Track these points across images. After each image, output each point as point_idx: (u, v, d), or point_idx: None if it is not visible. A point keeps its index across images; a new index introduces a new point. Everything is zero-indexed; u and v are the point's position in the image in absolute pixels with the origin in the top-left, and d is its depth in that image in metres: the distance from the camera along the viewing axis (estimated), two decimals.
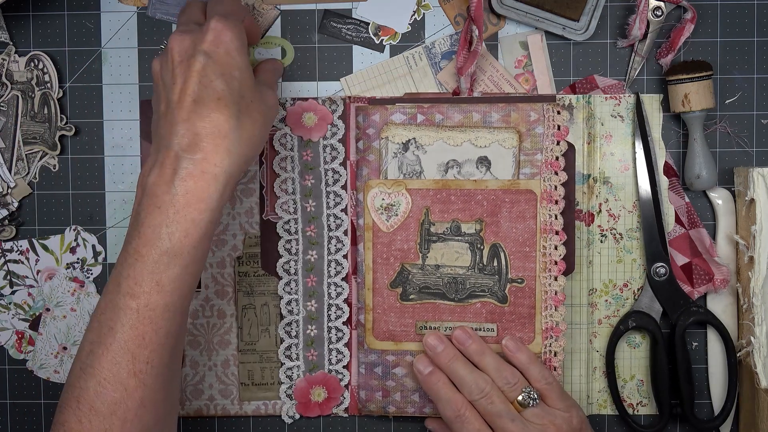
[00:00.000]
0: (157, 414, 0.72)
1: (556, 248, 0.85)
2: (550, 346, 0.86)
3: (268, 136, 0.79)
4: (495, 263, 0.86)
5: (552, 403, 0.82)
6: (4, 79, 0.89)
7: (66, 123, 0.90)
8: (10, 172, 0.89)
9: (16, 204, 0.90)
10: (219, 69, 0.72)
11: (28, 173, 0.90)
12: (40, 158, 0.90)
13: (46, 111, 0.89)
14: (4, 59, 0.89)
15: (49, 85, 0.89)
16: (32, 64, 0.89)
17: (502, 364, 0.83)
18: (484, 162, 0.86)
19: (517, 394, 0.81)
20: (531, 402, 0.81)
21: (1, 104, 0.89)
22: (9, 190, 0.89)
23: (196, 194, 0.70)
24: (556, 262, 0.86)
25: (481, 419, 0.80)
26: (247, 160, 0.74)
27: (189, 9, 0.80)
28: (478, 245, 0.86)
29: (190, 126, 0.71)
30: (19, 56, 0.89)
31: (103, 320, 0.71)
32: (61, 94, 0.89)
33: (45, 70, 0.89)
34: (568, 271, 0.87)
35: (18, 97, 0.89)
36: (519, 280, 0.86)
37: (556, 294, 0.86)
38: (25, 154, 0.90)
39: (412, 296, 0.87)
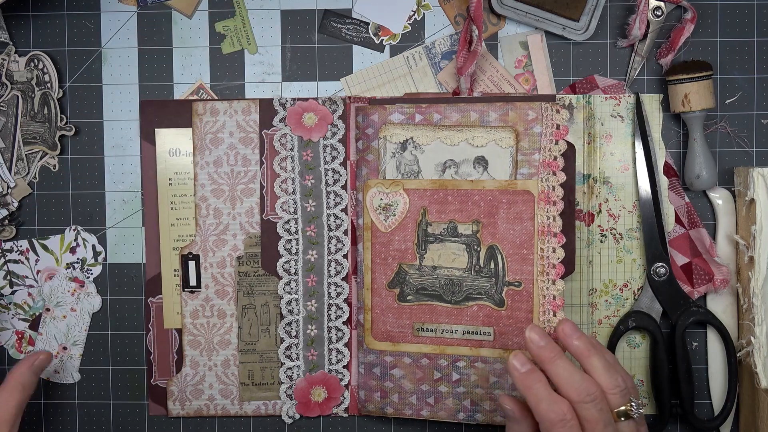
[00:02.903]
0: None
1: (554, 251, 0.85)
2: None
3: None
4: (492, 265, 0.86)
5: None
6: (4, 79, 0.89)
7: (66, 123, 0.90)
8: (10, 172, 0.89)
9: (16, 204, 0.90)
10: None
11: (28, 173, 0.90)
12: (40, 158, 0.90)
13: (46, 111, 0.89)
14: (4, 59, 0.89)
15: (49, 85, 0.89)
16: (32, 64, 0.89)
17: (611, 366, 0.75)
18: (481, 162, 0.86)
19: (623, 402, 0.73)
20: (636, 414, 0.73)
21: (1, 104, 0.89)
22: (9, 190, 0.89)
23: None
24: (554, 266, 0.85)
25: (580, 426, 0.73)
26: None
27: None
28: (475, 246, 0.86)
29: None
30: (19, 56, 0.89)
31: None
32: (61, 94, 0.89)
33: (45, 70, 0.89)
34: (567, 272, 0.86)
35: (18, 97, 0.89)
36: (516, 284, 0.86)
37: (554, 298, 0.85)
38: (25, 154, 0.90)
39: (409, 297, 0.87)
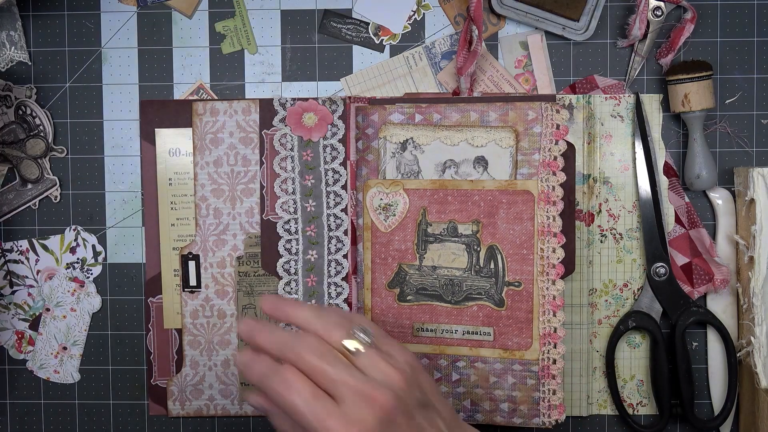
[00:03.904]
0: None
1: (554, 251, 0.85)
2: (548, 353, 0.85)
3: None
4: (492, 265, 0.86)
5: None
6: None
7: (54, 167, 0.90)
8: None
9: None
10: None
11: None
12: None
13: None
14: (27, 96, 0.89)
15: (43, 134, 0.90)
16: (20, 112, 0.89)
17: (317, 309, 0.67)
18: (481, 162, 0.86)
19: (344, 335, 0.65)
20: (366, 339, 0.65)
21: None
22: None
23: None
24: (554, 266, 0.85)
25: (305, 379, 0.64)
26: None
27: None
28: (475, 247, 0.86)
29: None
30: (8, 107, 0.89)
31: None
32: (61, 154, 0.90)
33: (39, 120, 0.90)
34: (567, 272, 0.86)
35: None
36: (516, 284, 0.86)
37: (554, 299, 0.85)
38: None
39: (409, 297, 0.87)
